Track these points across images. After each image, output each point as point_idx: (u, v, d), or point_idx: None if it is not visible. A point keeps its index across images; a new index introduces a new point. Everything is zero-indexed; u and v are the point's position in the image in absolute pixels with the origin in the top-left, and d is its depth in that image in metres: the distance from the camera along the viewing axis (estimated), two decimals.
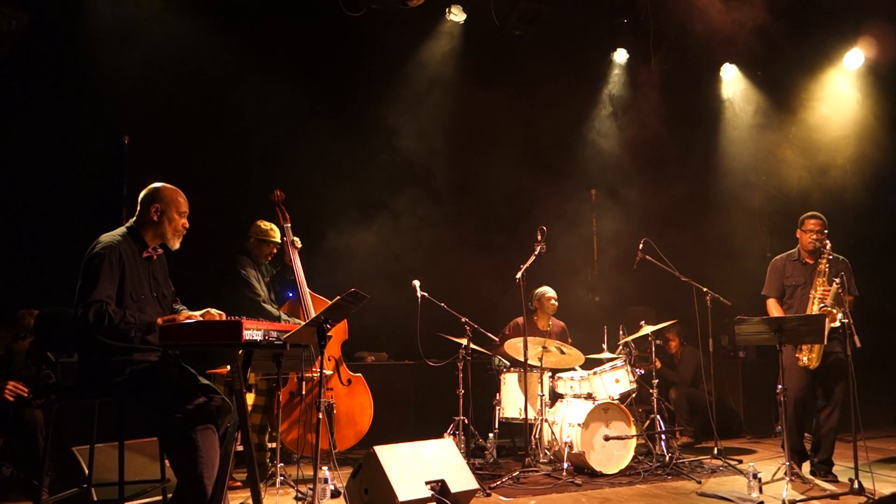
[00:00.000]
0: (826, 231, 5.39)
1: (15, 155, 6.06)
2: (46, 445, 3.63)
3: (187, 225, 3.77)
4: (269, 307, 5.27)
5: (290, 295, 5.66)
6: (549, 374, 6.13)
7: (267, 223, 5.47)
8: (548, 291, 6.78)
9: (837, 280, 4.99)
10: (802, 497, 4.67)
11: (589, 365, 6.16)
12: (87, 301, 3.34)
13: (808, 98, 8.62)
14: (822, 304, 5.14)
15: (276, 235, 5.47)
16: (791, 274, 5.52)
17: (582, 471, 5.52)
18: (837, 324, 4.94)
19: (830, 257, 5.28)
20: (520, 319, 6.77)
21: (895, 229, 8.35)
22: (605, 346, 6.22)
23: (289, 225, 5.58)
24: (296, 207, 5.71)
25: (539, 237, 5.87)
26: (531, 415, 5.84)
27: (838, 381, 5.25)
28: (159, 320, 3.44)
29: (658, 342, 6.53)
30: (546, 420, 5.80)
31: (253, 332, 3.34)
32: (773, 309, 5.53)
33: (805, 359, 5.22)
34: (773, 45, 8.60)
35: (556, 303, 6.79)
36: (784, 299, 5.54)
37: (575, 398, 5.95)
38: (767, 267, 5.72)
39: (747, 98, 8.94)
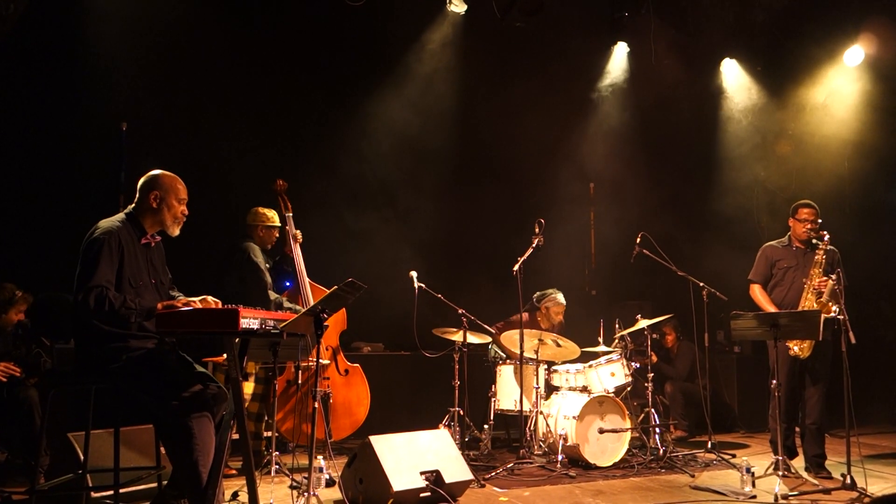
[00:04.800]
0: (820, 220, 5.39)
1: (12, 141, 6.04)
2: (43, 424, 3.62)
3: (186, 212, 3.77)
4: (272, 294, 5.33)
5: (288, 285, 5.68)
6: (545, 366, 6.14)
7: (268, 209, 5.55)
8: (559, 300, 6.71)
9: (834, 276, 5.00)
10: (794, 492, 4.69)
11: (584, 358, 6.17)
12: (88, 286, 3.34)
13: (807, 94, 8.62)
14: (817, 296, 5.16)
15: (278, 219, 5.56)
16: (782, 257, 5.51)
17: (576, 463, 5.54)
18: (832, 315, 4.96)
19: (828, 248, 5.28)
20: (516, 317, 6.82)
21: (894, 225, 8.36)
22: (601, 340, 6.23)
23: (290, 214, 5.61)
24: (295, 196, 5.71)
25: (537, 230, 5.87)
26: (526, 407, 5.86)
27: (825, 369, 5.29)
28: (159, 306, 3.43)
29: (654, 336, 6.54)
30: (541, 412, 5.82)
31: (250, 320, 3.34)
32: (758, 294, 5.54)
33: (796, 348, 5.23)
34: (774, 40, 8.59)
35: (561, 316, 6.75)
36: (775, 281, 5.53)
37: (570, 391, 5.97)
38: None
39: (747, 93, 8.93)
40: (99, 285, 3.35)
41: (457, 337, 5.93)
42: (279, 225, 5.55)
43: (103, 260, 3.41)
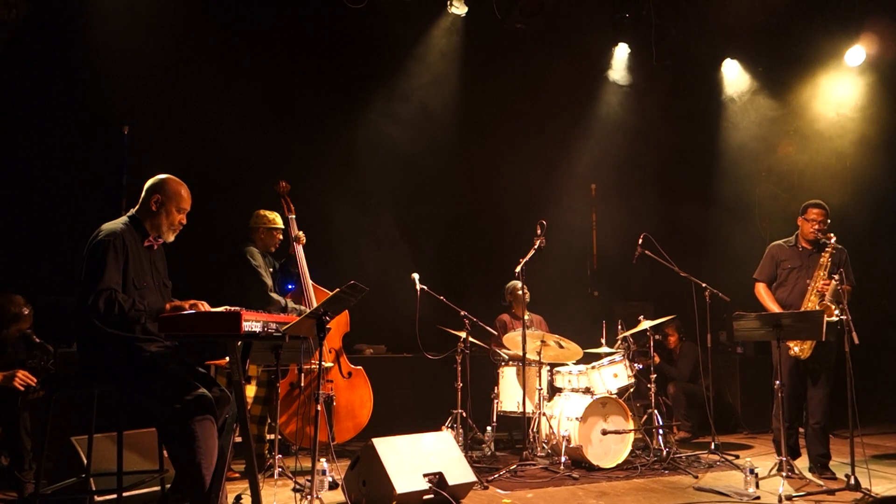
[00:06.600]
0: (829, 221, 5.38)
1: (15, 145, 6.05)
2: (47, 431, 3.62)
3: (184, 221, 3.77)
4: (275, 295, 5.32)
5: (291, 287, 5.68)
6: (548, 367, 6.14)
7: (270, 212, 5.54)
8: (517, 284, 6.67)
9: (836, 276, 4.99)
10: (798, 493, 4.68)
11: (587, 359, 6.16)
12: (97, 289, 3.35)
13: (809, 94, 8.61)
14: (820, 299, 5.14)
15: (280, 221, 5.55)
16: (787, 258, 5.50)
17: (579, 465, 5.54)
18: (834, 318, 4.94)
19: (835, 251, 5.25)
20: (504, 316, 6.83)
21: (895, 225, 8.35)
22: (603, 341, 6.22)
23: (293, 216, 5.61)
24: (297, 198, 5.71)
25: (539, 231, 5.87)
26: (529, 408, 5.86)
27: (826, 369, 5.28)
28: (168, 306, 3.44)
29: (657, 337, 6.53)
30: (544, 414, 5.81)
31: (252, 323, 3.34)
32: (763, 293, 5.53)
33: (797, 349, 5.21)
34: (775, 40, 8.59)
35: (527, 293, 6.75)
36: (779, 282, 5.52)
37: (573, 392, 5.96)
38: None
39: (749, 93, 8.93)
40: (108, 288, 3.36)
41: (461, 333, 5.93)
42: (282, 227, 5.55)
43: (109, 262, 3.42)
